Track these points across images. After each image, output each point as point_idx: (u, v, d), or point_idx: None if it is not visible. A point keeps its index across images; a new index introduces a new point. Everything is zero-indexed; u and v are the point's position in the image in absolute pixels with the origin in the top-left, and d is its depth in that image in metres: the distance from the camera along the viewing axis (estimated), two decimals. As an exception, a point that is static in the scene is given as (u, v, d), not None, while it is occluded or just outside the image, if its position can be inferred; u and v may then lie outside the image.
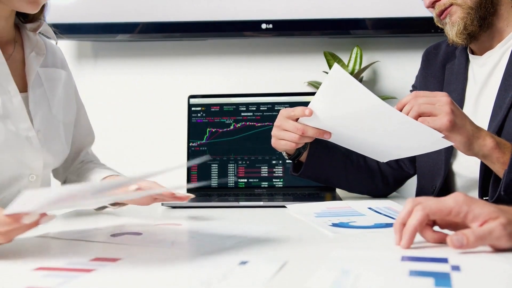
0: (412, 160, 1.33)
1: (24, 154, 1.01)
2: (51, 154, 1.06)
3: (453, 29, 1.15)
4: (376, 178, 1.32)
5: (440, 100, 0.94)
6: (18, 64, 1.04)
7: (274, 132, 1.14)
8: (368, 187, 1.32)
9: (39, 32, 1.09)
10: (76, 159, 1.23)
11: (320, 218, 0.96)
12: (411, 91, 1.42)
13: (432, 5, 1.18)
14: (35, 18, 1.07)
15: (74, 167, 1.23)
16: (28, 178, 1.03)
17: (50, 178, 1.15)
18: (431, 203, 0.69)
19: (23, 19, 1.07)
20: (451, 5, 1.14)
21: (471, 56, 1.23)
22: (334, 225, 0.90)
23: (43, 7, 1.05)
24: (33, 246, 0.76)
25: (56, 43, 1.17)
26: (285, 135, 1.11)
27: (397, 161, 1.34)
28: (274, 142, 1.15)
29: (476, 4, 1.13)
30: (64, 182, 1.24)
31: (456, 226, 0.72)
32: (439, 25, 1.21)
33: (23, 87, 1.04)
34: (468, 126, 0.95)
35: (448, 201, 0.69)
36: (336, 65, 0.94)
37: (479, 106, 1.18)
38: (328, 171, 1.26)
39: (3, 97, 0.98)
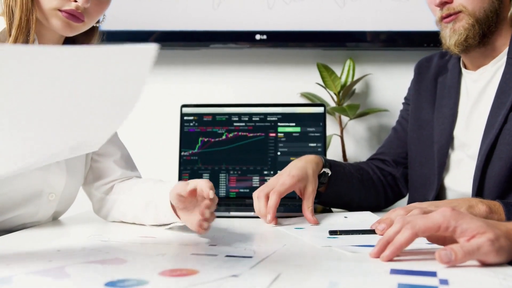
0: (407, 180, 1.35)
1: (50, 172, 1.02)
2: (72, 176, 1.07)
3: (453, 37, 1.13)
4: (380, 196, 1.35)
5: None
6: None
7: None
8: (374, 204, 1.34)
9: None
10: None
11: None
12: (403, 103, 1.42)
13: (441, 5, 1.14)
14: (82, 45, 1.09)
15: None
16: (48, 197, 1.04)
17: (71, 199, 1.12)
18: (420, 222, 0.70)
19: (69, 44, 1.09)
20: (460, 11, 1.12)
21: (464, 71, 1.23)
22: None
23: (92, 35, 1.08)
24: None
25: None
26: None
27: (395, 180, 1.36)
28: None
29: (483, 19, 1.11)
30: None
31: (444, 241, 0.73)
32: (437, 26, 1.19)
33: None
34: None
35: (436, 217, 0.69)
36: None
37: (472, 121, 1.18)
38: (345, 197, 1.28)
39: None
